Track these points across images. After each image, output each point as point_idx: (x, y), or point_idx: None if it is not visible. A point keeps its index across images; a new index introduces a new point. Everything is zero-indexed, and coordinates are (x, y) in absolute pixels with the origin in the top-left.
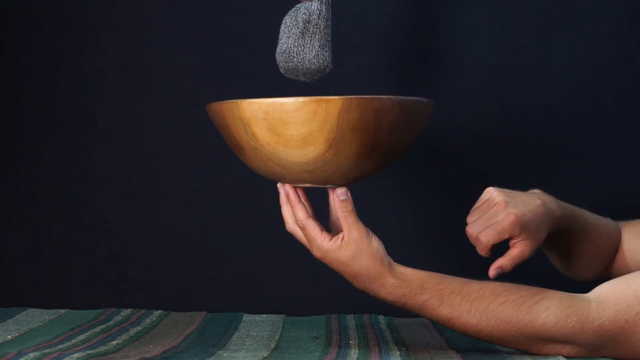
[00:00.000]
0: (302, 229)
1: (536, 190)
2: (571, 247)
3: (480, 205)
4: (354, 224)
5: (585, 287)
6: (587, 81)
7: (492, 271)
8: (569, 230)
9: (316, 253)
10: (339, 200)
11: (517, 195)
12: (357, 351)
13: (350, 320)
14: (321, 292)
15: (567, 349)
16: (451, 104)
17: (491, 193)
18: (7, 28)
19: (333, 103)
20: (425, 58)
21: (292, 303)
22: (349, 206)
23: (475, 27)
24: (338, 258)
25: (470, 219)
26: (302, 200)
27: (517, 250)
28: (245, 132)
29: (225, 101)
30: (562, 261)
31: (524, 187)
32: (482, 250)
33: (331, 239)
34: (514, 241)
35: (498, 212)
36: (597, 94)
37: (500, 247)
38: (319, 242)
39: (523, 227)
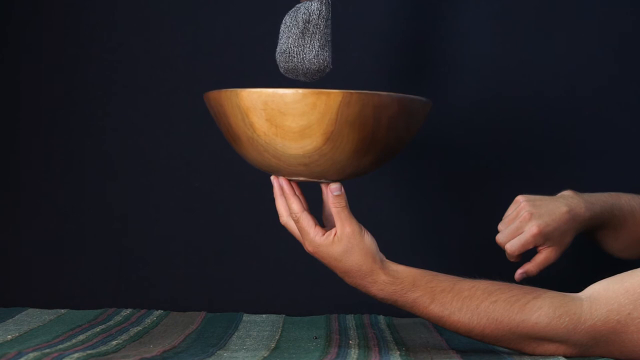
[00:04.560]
0: (296, 221)
1: (567, 193)
2: (608, 236)
3: (510, 214)
4: (347, 219)
5: (578, 286)
6: (588, 81)
7: (518, 275)
8: (603, 224)
9: (308, 247)
10: (332, 195)
11: (544, 203)
12: (357, 351)
13: (350, 320)
14: (321, 292)
15: (560, 349)
16: (450, 103)
17: (519, 203)
18: (7, 28)
19: (333, 96)
20: (425, 58)
21: (292, 303)
22: (343, 202)
23: (475, 27)
24: (330, 253)
25: (500, 227)
26: (297, 193)
27: (542, 256)
28: (242, 122)
29: (224, 89)
30: (601, 245)
31: (523, 186)
32: (510, 258)
33: (324, 234)
34: (539, 248)
35: (523, 224)
36: (598, 93)
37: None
38: (312, 235)
39: (546, 237)
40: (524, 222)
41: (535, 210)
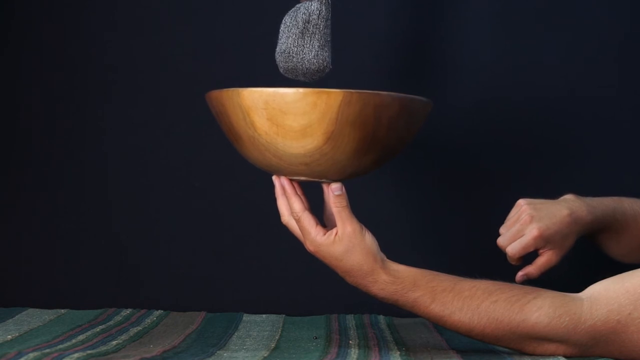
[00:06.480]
0: (298, 221)
1: (568, 196)
2: (610, 240)
3: (511, 218)
4: (348, 219)
5: (579, 288)
6: (588, 82)
7: (519, 277)
8: (605, 228)
9: (309, 247)
10: (333, 195)
11: (545, 207)
12: (357, 351)
13: (350, 320)
14: (321, 292)
15: (560, 349)
16: (450, 103)
17: (520, 206)
18: (7, 28)
19: (334, 96)
20: (425, 58)
21: (292, 303)
22: (344, 201)
23: (475, 27)
24: (331, 252)
25: (502, 230)
26: (298, 192)
27: (544, 259)
28: (244, 121)
29: (226, 89)
30: (604, 249)
31: (523, 187)
32: (511, 261)
33: (325, 234)
34: (540, 250)
35: (524, 227)
36: (598, 94)
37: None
38: (313, 235)
39: (547, 240)
40: (524, 224)
41: (536, 213)
